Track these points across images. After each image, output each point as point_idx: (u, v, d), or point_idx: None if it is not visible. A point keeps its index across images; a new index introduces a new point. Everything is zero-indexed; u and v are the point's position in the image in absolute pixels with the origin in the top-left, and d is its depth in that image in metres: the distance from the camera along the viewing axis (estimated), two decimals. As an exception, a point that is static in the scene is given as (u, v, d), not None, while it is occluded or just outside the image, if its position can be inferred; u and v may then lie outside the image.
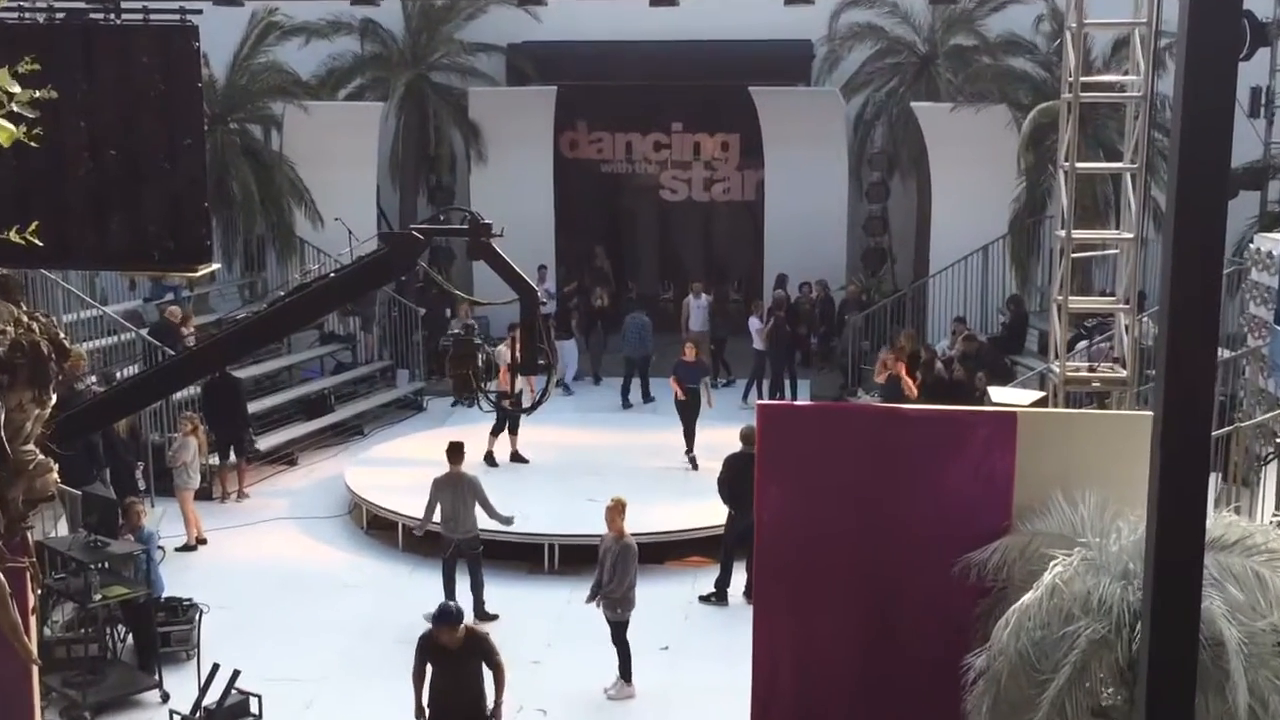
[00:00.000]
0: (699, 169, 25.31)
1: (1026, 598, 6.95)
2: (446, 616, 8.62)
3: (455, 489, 12.40)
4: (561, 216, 24.09)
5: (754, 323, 20.43)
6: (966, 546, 7.74)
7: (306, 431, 18.33)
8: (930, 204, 21.73)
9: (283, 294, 7.82)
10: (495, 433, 16.22)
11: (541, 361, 7.32)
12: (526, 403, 9.78)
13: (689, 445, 16.29)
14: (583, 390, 21.09)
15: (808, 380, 21.13)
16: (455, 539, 12.46)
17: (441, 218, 8.46)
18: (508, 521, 12.68)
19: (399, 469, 16.14)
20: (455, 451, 12.54)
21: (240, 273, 21.12)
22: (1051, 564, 7.01)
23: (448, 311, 21.33)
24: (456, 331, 7.32)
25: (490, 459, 15.78)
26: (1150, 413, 7.69)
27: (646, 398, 20.79)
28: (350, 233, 18.25)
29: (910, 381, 15.96)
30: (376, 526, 14.98)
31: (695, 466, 15.99)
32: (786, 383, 20.17)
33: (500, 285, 7.82)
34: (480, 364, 7.23)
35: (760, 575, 8.46)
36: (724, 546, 13.02)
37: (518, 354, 7.42)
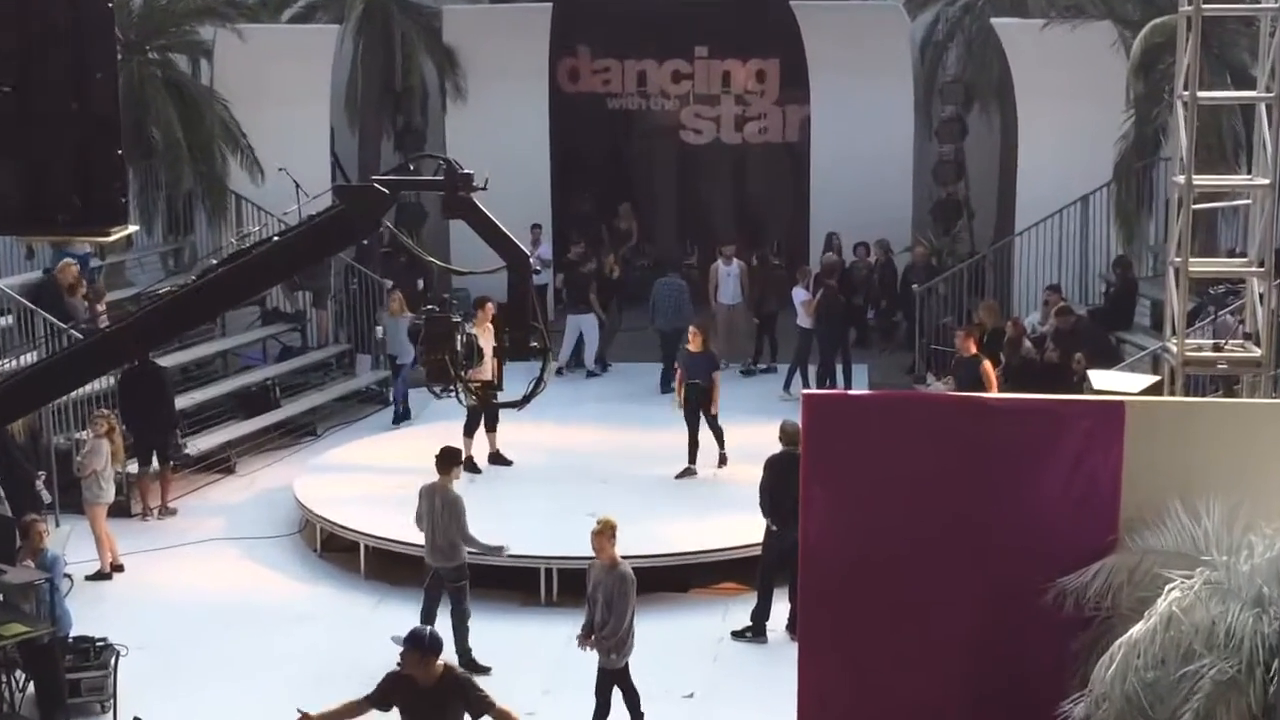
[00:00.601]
0: (729, 104, 25.35)
1: (1136, 630, 6.98)
2: (417, 642, 8.45)
3: (432, 505, 12.46)
4: (559, 165, 24.12)
5: (799, 294, 20.42)
6: (1061, 568, 7.77)
7: (246, 432, 18.38)
8: (1016, 145, 21.70)
9: (215, 263, 7.80)
10: (469, 432, 16.24)
11: (535, 344, 7.33)
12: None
13: (718, 443, 16.25)
14: (584, 380, 21.16)
15: (865, 365, 21.13)
16: (434, 566, 12.52)
17: (411, 167, 8.46)
18: (495, 553, 12.73)
19: (361, 477, 16.16)
20: (445, 460, 12.55)
21: (163, 237, 21.18)
22: (1167, 589, 7.05)
23: (419, 283, 21.37)
24: (430, 308, 7.33)
25: (470, 464, 15.82)
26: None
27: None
28: (298, 186, 18.57)
29: (989, 366, 15.92)
30: (333, 549, 15.03)
31: (724, 463, 16.06)
32: (839, 368, 20.18)
33: (484, 250, 7.83)
34: (460, 347, 7.24)
35: (805, 605, 8.52)
36: (761, 570, 13.05)
37: (493, 335, 7.45)
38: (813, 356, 20.19)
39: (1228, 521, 7.47)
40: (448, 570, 12.47)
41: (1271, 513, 7.55)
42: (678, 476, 15.94)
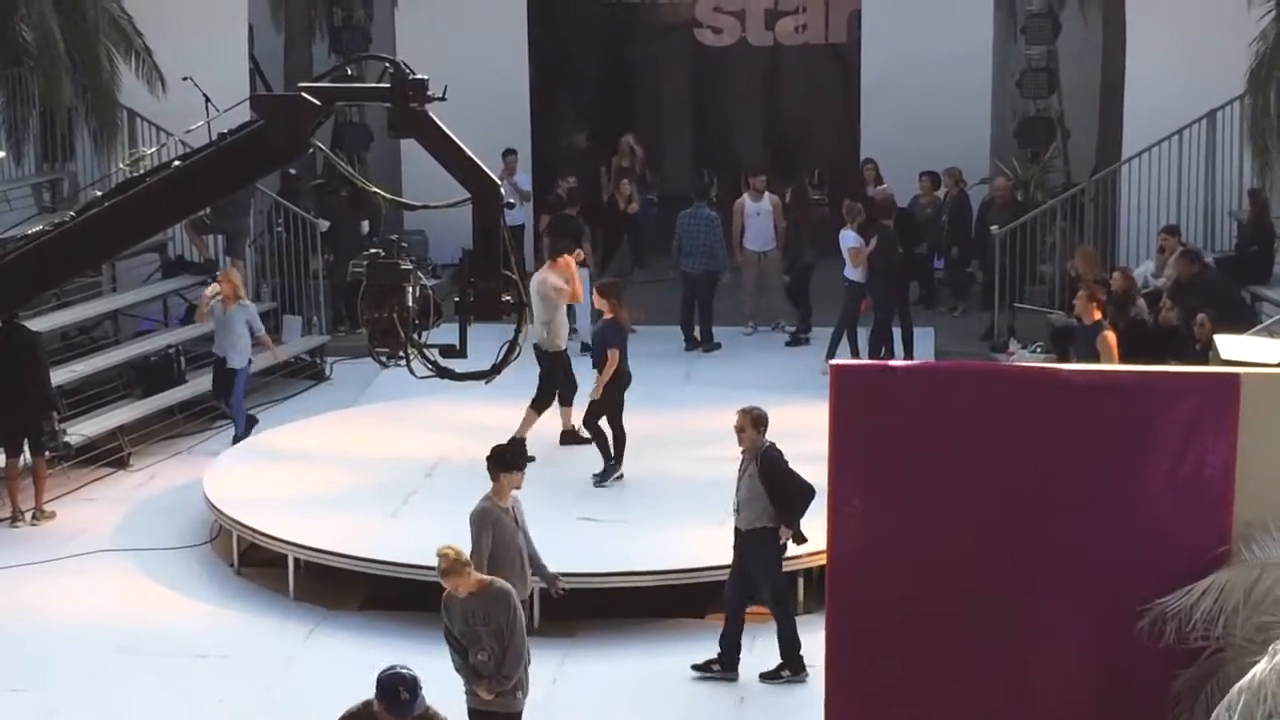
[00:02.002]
0: (758, -6, 25.32)
1: (1260, 669, 6.94)
2: (392, 695, 8.59)
3: (512, 522, 11.95)
4: (540, 73, 24.06)
5: (847, 237, 20.27)
6: (1158, 587, 7.84)
7: (143, 415, 18.33)
8: (1124, 47, 21.60)
9: (101, 195, 7.74)
10: (565, 400, 16.62)
11: (508, 299, 7.28)
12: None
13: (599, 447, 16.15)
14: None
15: (930, 328, 21.10)
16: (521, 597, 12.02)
17: (350, 71, 8.38)
18: (552, 582, 12.39)
19: (289, 471, 16.19)
20: (502, 460, 12.10)
21: (36, 165, 21.17)
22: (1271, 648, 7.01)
23: (364, 224, 21.29)
24: (374, 252, 7.26)
25: (572, 436, 16.29)
26: None
27: (707, 339, 20.91)
28: (207, 100, 18.47)
29: (1112, 338, 15.80)
30: (254, 563, 15.03)
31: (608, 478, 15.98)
32: (896, 332, 20.14)
33: (445, 179, 7.77)
34: (412, 302, 7.19)
35: (836, 633, 8.53)
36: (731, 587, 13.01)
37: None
38: (865, 318, 20.11)
39: None
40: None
41: None
42: (598, 483, 15.83)
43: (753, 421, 12.57)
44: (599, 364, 15.82)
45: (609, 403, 15.82)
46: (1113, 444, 8.17)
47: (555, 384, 16.61)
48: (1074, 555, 8.17)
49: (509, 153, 22.44)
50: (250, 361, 17.92)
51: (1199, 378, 8.76)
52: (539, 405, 16.53)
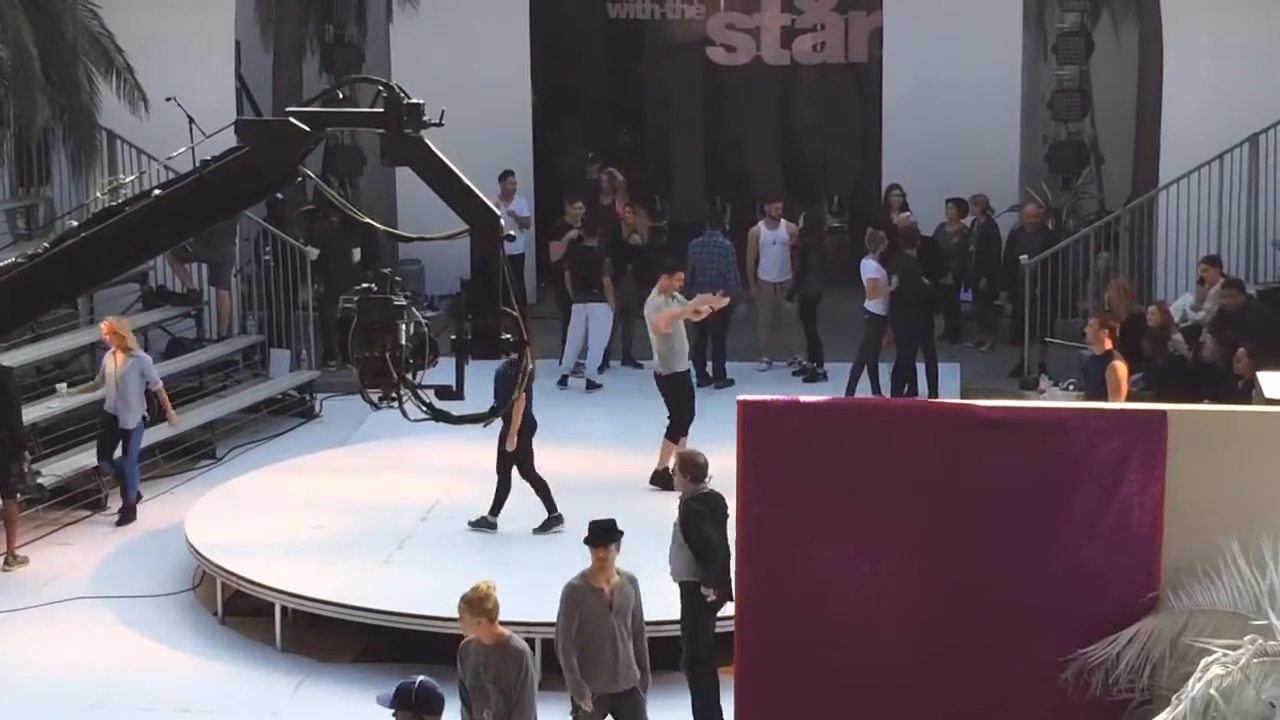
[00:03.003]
0: (772, 11, 25.35)
1: (1163, 718, 7.04)
2: (404, 699, 8.86)
3: (592, 612, 11.64)
4: (543, 93, 24.10)
5: (868, 267, 20.31)
6: (1083, 635, 7.89)
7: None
8: (1161, 67, 21.62)
9: (77, 226, 7.73)
10: (676, 434, 16.54)
11: (508, 337, 7.27)
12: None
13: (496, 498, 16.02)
14: (584, 393, 21.22)
15: (957, 364, 21.12)
16: (609, 691, 11.74)
17: (342, 95, 8.37)
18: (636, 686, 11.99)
19: (276, 514, 16.18)
20: (593, 534, 11.69)
21: (10, 190, 21.23)
22: (1202, 664, 7.11)
23: (356, 252, 21.29)
24: (365, 286, 7.24)
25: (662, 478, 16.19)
26: None
27: (719, 375, 20.95)
28: (191, 121, 18.55)
29: (1121, 369, 15.87)
30: (239, 611, 15.02)
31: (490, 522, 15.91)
32: (920, 367, 20.13)
33: (442, 208, 7.77)
34: (405, 340, 7.17)
35: (744, 690, 8.63)
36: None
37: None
38: (887, 352, 20.17)
39: None
40: (624, 699, 11.77)
41: None
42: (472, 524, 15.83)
43: (680, 466, 12.46)
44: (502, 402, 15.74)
45: (521, 450, 15.73)
46: (1033, 485, 8.25)
47: (682, 407, 16.72)
48: (993, 601, 8.24)
49: (507, 175, 22.48)
50: (145, 420, 17.27)
51: (1125, 415, 8.83)
52: (672, 434, 16.69)
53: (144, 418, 17.24)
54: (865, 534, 8.42)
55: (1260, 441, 8.28)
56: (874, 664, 8.40)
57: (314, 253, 20.91)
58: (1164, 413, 8.42)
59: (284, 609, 14.43)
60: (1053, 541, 8.15)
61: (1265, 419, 9.15)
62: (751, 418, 8.72)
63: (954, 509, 8.29)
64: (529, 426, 15.77)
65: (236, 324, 21.40)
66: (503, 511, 15.95)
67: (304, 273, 20.98)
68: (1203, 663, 7.11)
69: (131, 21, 20.66)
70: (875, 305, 20.07)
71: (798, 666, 8.56)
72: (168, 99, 19.01)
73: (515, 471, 15.77)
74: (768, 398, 9.43)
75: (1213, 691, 6.95)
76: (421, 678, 9.43)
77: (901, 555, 8.37)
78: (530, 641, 13.68)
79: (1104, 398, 15.27)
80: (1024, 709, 8.10)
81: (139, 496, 17.48)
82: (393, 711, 9.25)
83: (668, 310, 17.13)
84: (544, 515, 15.73)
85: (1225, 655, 7.07)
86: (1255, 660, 7.01)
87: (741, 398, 9.19)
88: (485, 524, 15.70)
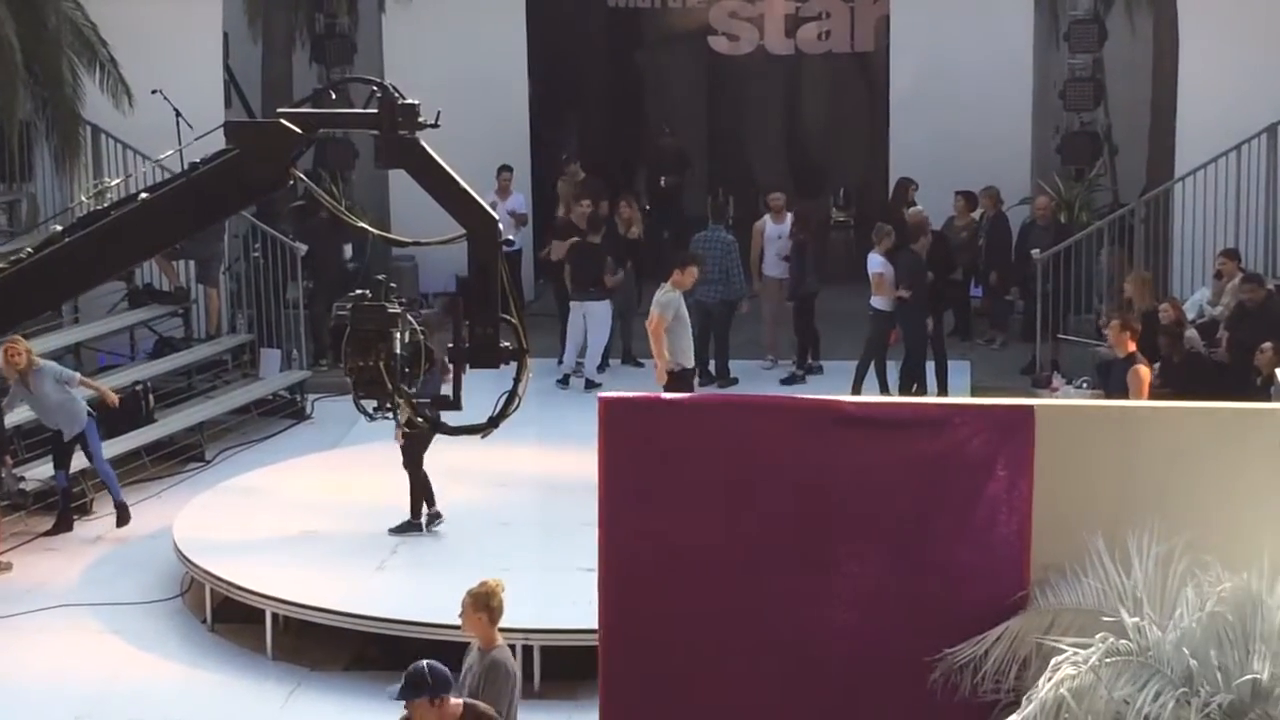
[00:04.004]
0: (777, 1, 25.31)
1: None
2: (419, 684, 8.84)
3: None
4: (540, 84, 24.11)
5: (874, 261, 20.27)
6: (953, 635, 7.94)
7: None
8: (1177, 55, 21.62)
9: (62, 230, 7.75)
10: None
11: (507, 345, 7.28)
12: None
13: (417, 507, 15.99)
14: (583, 392, 21.14)
15: (967, 361, 21.14)
16: None
17: (334, 94, 8.39)
18: None
19: (268, 519, 16.21)
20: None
21: (-9, 186, 21.19)
22: (1053, 662, 7.19)
23: (347, 249, 21.30)
24: (360, 293, 7.24)
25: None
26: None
27: (723, 373, 20.97)
28: (178, 115, 18.59)
29: (1144, 372, 15.82)
30: (229, 618, 15.01)
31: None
32: (929, 365, 20.14)
33: (435, 210, 7.79)
34: (400, 348, 7.18)
35: (611, 683, 8.73)
36: None
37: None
38: (896, 350, 20.16)
39: (1165, 566, 7.63)
40: None
41: (1225, 553, 7.69)
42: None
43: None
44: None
45: (422, 443, 15.62)
46: (901, 483, 8.29)
47: None
48: (860, 601, 8.29)
49: (504, 169, 22.51)
50: (92, 415, 16.88)
51: (993, 412, 8.86)
52: None
53: (90, 413, 16.87)
54: (730, 533, 8.45)
55: (1127, 438, 8.34)
56: (738, 664, 8.46)
57: (302, 249, 20.88)
58: (1031, 409, 8.50)
59: (275, 616, 14.42)
60: (921, 540, 8.21)
61: (1131, 415, 9.32)
62: (613, 416, 8.74)
63: (820, 507, 8.35)
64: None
65: (225, 323, 21.38)
66: (494, 514, 16.01)
67: (295, 270, 20.97)
68: (1053, 662, 7.21)
69: (116, 12, 20.63)
70: (880, 301, 20.02)
71: (662, 665, 8.61)
72: (153, 92, 19.06)
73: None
74: (629, 394, 9.45)
75: (1063, 692, 7.02)
76: (426, 661, 9.35)
77: (766, 554, 8.41)
78: (528, 648, 13.81)
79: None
80: (894, 711, 8.14)
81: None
82: (404, 702, 9.23)
83: (656, 315, 17.16)
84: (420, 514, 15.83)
85: (1076, 654, 7.14)
86: (1107, 660, 7.09)
87: (602, 395, 9.22)
88: (410, 527, 15.74)
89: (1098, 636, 7.25)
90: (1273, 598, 7.39)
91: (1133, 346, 16.13)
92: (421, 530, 15.71)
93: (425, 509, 15.81)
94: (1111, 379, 16.44)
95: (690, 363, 17.44)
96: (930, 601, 8.13)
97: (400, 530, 15.67)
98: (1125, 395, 15.49)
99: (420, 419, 7.32)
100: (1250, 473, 8.34)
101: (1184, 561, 7.59)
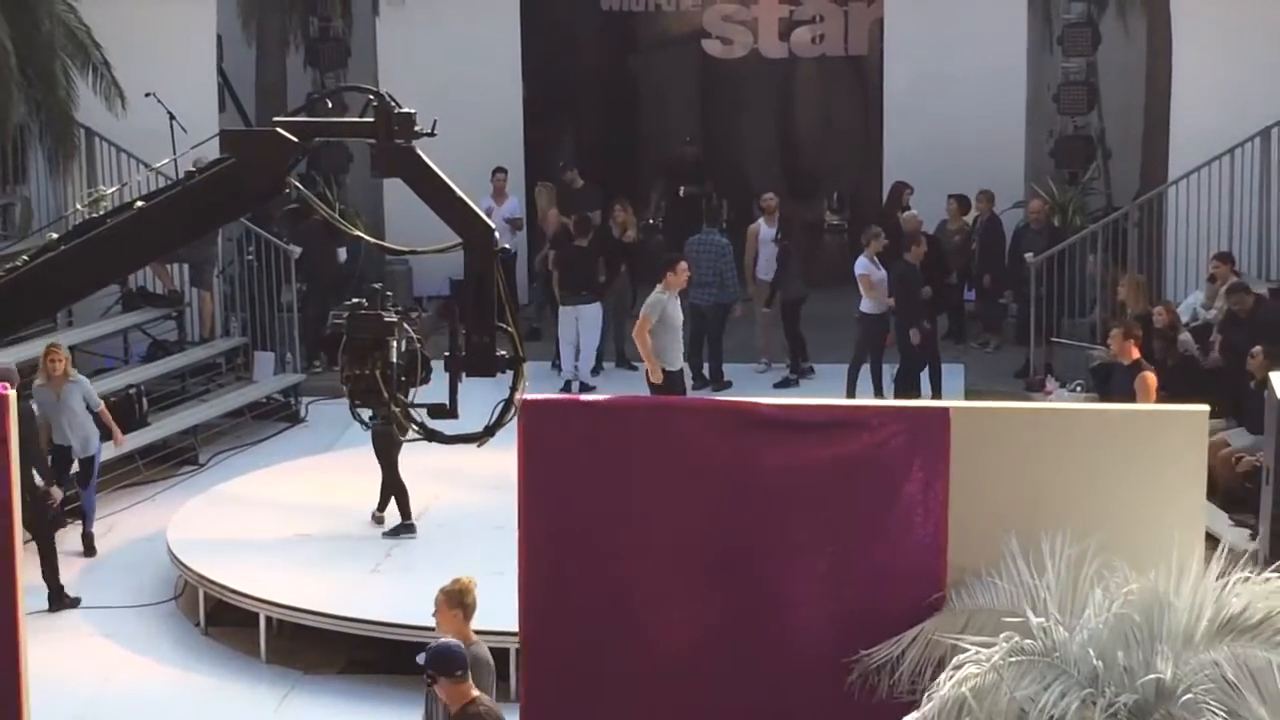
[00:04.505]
0: (770, 3, 25.34)
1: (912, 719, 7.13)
2: (451, 663, 8.99)
3: None
4: (534, 89, 24.14)
5: (861, 264, 20.27)
6: (871, 637, 8.02)
7: (101, 460, 18.30)
8: (1170, 59, 21.66)
9: (57, 239, 7.82)
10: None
11: (503, 353, 7.32)
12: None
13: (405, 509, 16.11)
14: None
15: (961, 365, 21.21)
16: None
17: (330, 103, 8.45)
18: None
19: (262, 522, 16.25)
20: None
21: (-16, 190, 21.19)
22: (954, 661, 7.21)
23: (341, 251, 21.32)
24: (356, 301, 7.29)
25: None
26: (1205, 408, 8.04)
27: (717, 377, 21.00)
28: (172, 118, 18.56)
29: (1151, 380, 15.83)
30: (223, 622, 15.05)
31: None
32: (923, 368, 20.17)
33: (430, 213, 7.83)
34: (396, 357, 7.22)
35: (531, 694, 8.83)
36: None
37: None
38: (882, 352, 20.17)
39: (1076, 567, 7.69)
40: None
41: (1135, 554, 7.77)
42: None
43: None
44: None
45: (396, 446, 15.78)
46: (818, 484, 8.35)
47: None
48: (779, 603, 8.34)
49: (498, 171, 22.54)
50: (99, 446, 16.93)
51: (908, 413, 8.97)
52: None
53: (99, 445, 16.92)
54: (649, 536, 8.53)
55: (1041, 438, 8.42)
56: (659, 666, 8.53)
57: (297, 251, 20.91)
58: (946, 410, 8.58)
59: (269, 619, 14.47)
60: (839, 542, 8.27)
61: (1045, 416, 9.40)
62: (531, 418, 8.74)
63: (739, 509, 8.41)
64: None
65: (219, 326, 21.37)
66: (488, 518, 16.08)
67: (289, 273, 20.99)
68: (954, 660, 7.22)
69: (110, 15, 20.59)
70: (868, 305, 19.97)
71: (583, 668, 8.70)
72: (147, 95, 19.04)
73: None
74: (549, 396, 9.49)
75: (964, 691, 7.01)
76: (442, 640, 9.48)
77: (686, 556, 8.48)
78: (520, 651, 13.84)
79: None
80: (812, 711, 8.19)
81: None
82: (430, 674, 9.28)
83: (641, 316, 17.30)
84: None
85: (979, 654, 7.17)
86: (1010, 659, 7.09)
87: (524, 396, 9.27)
88: (404, 529, 15.86)
89: (1001, 636, 7.29)
90: (1179, 598, 7.43)
91: (1137, 353, 16.15)
92: (414, 533, 15.78)
93: (380, 509, 15.96)
94: (1114, 384, 16.43)
95: (675, 365, 17.48)
96: (848, 603, 8.20)
97: (394, 533, 15.74)
98: (1130, 400, 15.48)
99: (416, 427, 7.36)
100: (1161, 473, 8.48)
101: (1095, 563, 7.65)
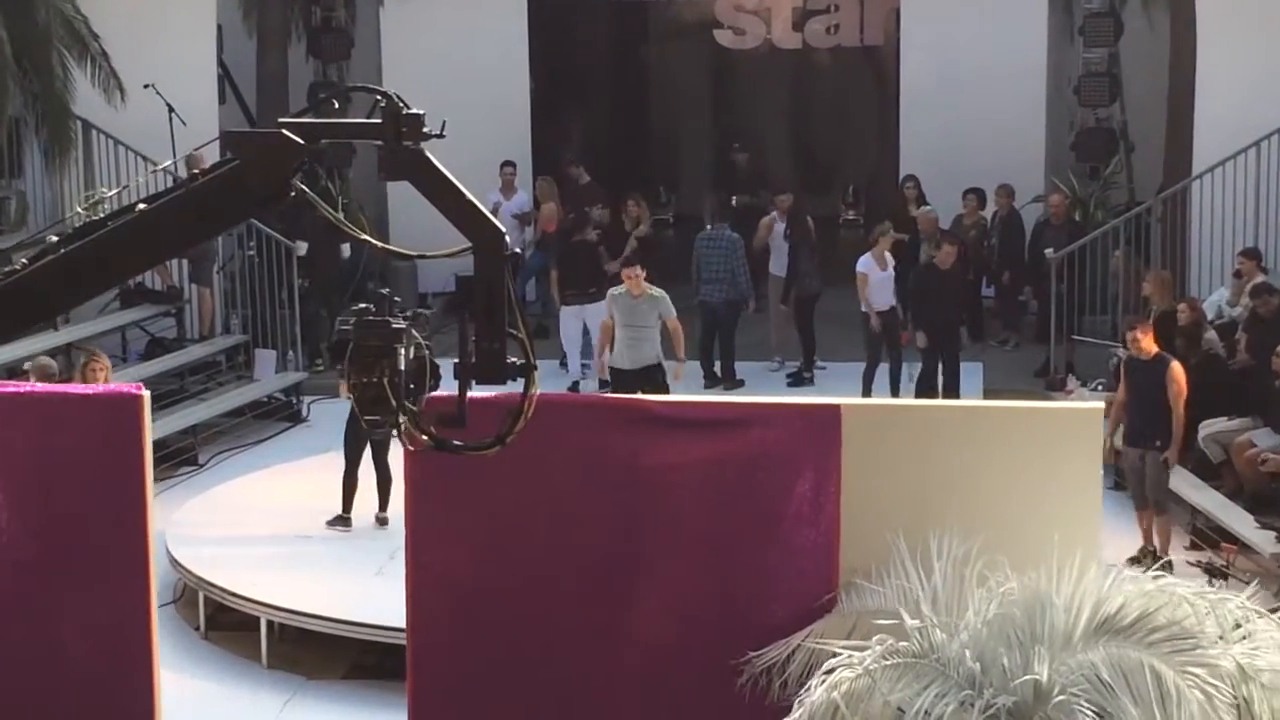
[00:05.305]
0: (785, -8, 25.43)
1: None
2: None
3: None
4: (542, 78, 24.17)
5: (864, 264, 20.12)
6: (759, 639, 8.12)
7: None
8: (1195, 49, 21.67)
9: (57, 242, 7.79)
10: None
11: (514, 360, 7.29)
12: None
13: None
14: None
15: (979, 363, 21.24)
16: None
17: (336, 104, 8.39)
18: None
19: (263, 524, 16.29)
20: None
21: (-19, 184, 21.26)
22: (825, 665, 7.20)
23: (344, 247, 21.33)
24: (363, 307, 7.25)
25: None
26: (1099, 405, 8.07)
27: (728, 375, 21.02)
28: (171, 110, 18.59)
29: (1180, 372, 15.69)
30: (223, 626, 15.07)
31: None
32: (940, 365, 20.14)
33: (435, 211, 7.82)
34: (404, 365, 7.19)
35: (418, 694, 8.94)
36: None
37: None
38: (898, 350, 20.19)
39: (961, 567, 7.78)
40: None
41: (1019, 552, 7.78)
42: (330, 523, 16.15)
43: None
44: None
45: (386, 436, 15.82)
46: (707, 482, 8.43)
47: None
48: (670, 602, 8.41)
49: (506, 165, 22.59)
50: None
51: (799, 411, 8.99)
52: None
53: None
54: (540, 533, 8.62)
55: (932, 437, 8.52)
56: (549, 667, 8.62)
57: (302, 247, 20.92)
58: (838, 408, 8.63)
59: (270, 623, 14.47)
60: (730, 541, 8.32)
61: (936, 413, 9.63)
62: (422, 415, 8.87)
63: (629, 507, 8.49)
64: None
65: (219, 323, 21.43)
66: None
67: (290, 269, 21.01)
68: (826, 664, 7.22)
69: (108, 5, 20.68)
70: (879, 302, 19.91)
71: (470, 668, 8.80)
72: (146, 86, 19.06)
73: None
74: (434, 394, 9.50)
75: (835, 695, 7.01)
76: None
77: (576, 555, 8.57)
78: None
79: (1160, 403, 15.28)
80: (702, 714, 8.25)
81: None
82: None
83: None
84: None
85: (851, 657, 7.17)
86: (884, 662, 7.08)
87: (430, 394, 9.30)
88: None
89: (874, 639, 7.27)
90: (1059, 598, 7.41)
91: (1157, 346, 15.99)
92: (349, 527, 15.90)
93: (381, 509, 16.06)
94: (1138, 382, 16.14)
95: (622, 364, 17.65)
96: (739, 604, 8.28)
97: (333, 523, 15.90)
98: (1157, 397, 15.38)
99: (425, 437, 7.33)
100: (1055, 471, 8.57)
101: (980, 562, 7.72)
